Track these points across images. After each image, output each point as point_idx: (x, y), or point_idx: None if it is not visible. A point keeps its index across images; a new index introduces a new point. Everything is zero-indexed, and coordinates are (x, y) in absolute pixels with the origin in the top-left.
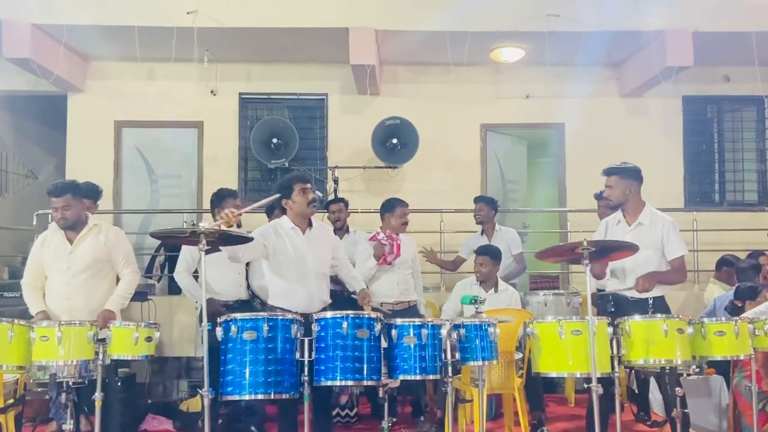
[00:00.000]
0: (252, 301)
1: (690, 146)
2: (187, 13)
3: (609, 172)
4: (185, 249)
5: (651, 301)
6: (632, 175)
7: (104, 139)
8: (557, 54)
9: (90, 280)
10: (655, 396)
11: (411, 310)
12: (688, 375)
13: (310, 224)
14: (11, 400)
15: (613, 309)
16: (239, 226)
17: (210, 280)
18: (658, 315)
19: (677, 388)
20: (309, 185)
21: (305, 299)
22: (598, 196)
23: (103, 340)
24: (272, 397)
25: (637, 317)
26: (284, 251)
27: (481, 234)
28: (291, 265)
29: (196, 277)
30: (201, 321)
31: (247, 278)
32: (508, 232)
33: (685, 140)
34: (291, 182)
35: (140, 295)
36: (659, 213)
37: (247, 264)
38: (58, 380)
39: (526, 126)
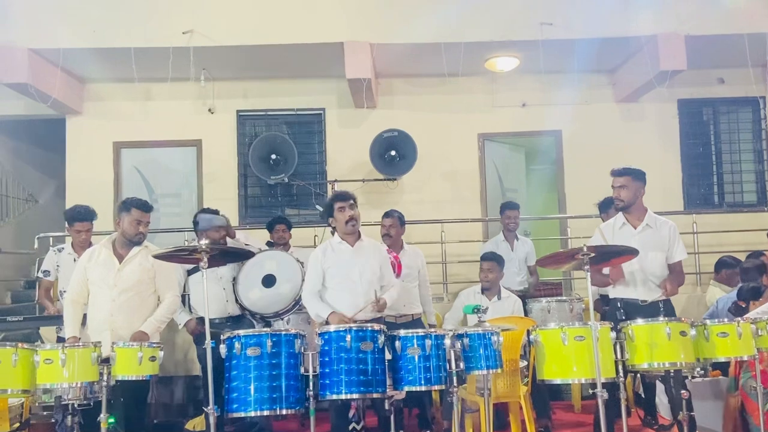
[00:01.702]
0: (244, 316)
1: (687, 149)
2: (183, 32)
3: (621, 172)
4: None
5: (662, 305)
6: (641, 177)
7: (103, 161)
8: (552, 62)
9: (134, 298)
10: (661, 400)
11: (415, 323)
12: (693, 377)
13: (360, 237)
14: (17, 424)
15: (624, 317)
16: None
17: (197, 298)
18: (661, 318)
19: (683, 391)
20: (346, 203)
21: (350, 308)
22: (607, 204)
23: (107, 360)
24: (278, 412)
25: (639, 321)
26: (334, 265)
27: (503, 240)
28: (338, 276)
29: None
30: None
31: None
32: (527, 242)
33: (682, 143)
34: (332, 202)
35: None
36: (660, 217)
37: (234, 278)
38: (63, 403)
39: (523, 134)
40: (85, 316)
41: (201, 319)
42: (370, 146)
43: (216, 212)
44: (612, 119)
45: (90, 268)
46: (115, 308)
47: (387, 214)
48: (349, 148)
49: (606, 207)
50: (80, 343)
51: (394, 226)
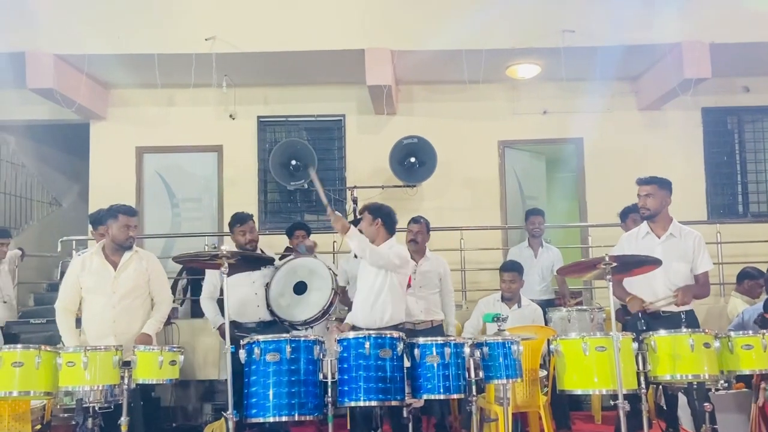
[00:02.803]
0: (278, 323)
1: (711, 158)
2: (206, 39)
3: (647, 181)
4: (208, 275)
5: (684, 316)
6: (667, 186)
7: (126, 165)
8: (573, 69)
9: (132, 303)
10: (683, 412)
11: (435, 330)
12: (717, 390)
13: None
14: (38, 426)
15: (644, 327)
16: (254, 249)
17: (231, 302)
18: (684, 330)
19: (706, 404)
20: (362, 215)
21: (358, 315)
22: (626, 213)
23: (128, 363)
24: (296, 418)
25: (662, 332)
26: (358, 272)
27: (527, 247)
28: (358, 281)
29: (220, 300)
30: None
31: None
32: (553, 250)
33: (705, 152)
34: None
35: None
36: (686, 227)
37: (267, 283)
38: (84, 405)
39: (544, 142)
40: (77, 321)
41: (233, 323)
42: (390, 153)
43: (250, 216)
44: (635, 127)
45: (83, 276)
46: (116, 314)
47: (415, 220)
48: (368, 155)
49: (624, 216)
50: (102, 346)
51: (421, 232)
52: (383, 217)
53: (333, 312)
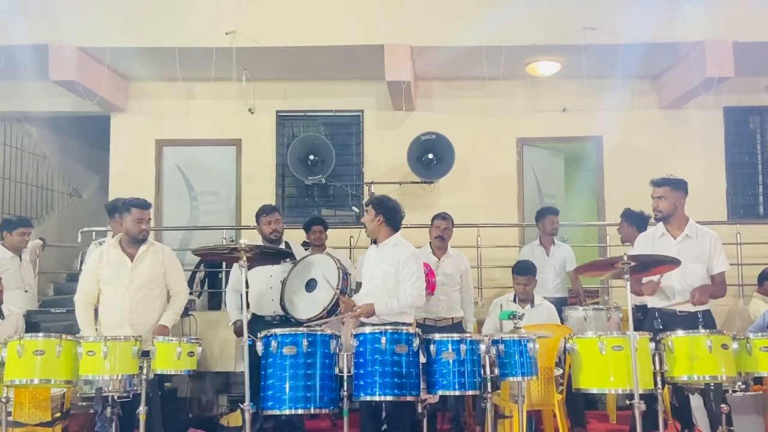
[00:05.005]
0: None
1: (732, 158)
2: (226, 33)
3: (660, 182)
4: (234, 267)
5: (701, 316)
6: (682, 187)
7: (146, 158)
8: (594, 67)
9: (149, 294)
10: (700, 413)
11: (455, 327)
12: (734, 391)
13: (385, 239)
14: (58, 414)
15: (661, 327)
16: (278, 239)
17: (252, 295)
18: (702, 330)
19: (722, 405)
20: (367, 209)
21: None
22: (634, 216)
23: (147, 354)
24: (312, 411)
25: (680, 332)
26: (366, 265)
27: (539, 245)
28: (364, 276)
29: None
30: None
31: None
32: (565, 247)
33: (726, 152)
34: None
35: None
36: (702, 227)
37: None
38: (103, 394)
39: (563, 139)
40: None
41: (255, 316)
42: (408, 149)
43: (276, 208)
44: (655, 126)
45: (101, 268)
46: (133, 305)
47: (442, 217)
48: (386, 150)
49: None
50: (122, 336)
51: (448, 229)
52: (384, 213)
53: (339, 312)
